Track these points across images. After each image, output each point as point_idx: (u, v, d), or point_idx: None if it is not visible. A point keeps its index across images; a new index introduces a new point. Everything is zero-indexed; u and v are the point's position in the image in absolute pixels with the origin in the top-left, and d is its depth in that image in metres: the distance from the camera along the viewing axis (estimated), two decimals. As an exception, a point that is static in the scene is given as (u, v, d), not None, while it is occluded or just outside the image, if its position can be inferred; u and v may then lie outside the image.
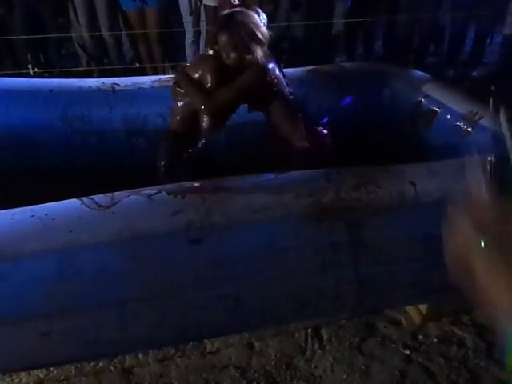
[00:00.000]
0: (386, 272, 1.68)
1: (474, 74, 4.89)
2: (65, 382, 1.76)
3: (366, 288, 1.67)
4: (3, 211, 1.36)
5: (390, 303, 1.89)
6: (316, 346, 1.94)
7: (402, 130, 2.43)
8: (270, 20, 4.34)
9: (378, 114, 2.53)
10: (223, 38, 1.88)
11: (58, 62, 4.51)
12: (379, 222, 1.61)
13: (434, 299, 1.96)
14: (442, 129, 2.21)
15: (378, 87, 2.56)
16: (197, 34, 4.49)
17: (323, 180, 1.58)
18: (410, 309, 2.07)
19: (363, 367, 1.86)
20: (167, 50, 4.50)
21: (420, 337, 2.00)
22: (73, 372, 1.79)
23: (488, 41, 5.23)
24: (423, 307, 2.02)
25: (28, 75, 4.12)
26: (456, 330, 2.03)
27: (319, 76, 2.49)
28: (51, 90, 2.29)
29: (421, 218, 1.64)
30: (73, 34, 4.51)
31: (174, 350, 1.89)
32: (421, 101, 2.35)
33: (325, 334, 1.98)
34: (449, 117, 2.18)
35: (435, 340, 1.99)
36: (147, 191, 1.43)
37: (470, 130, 2.05)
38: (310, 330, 1.99)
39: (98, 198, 1.40)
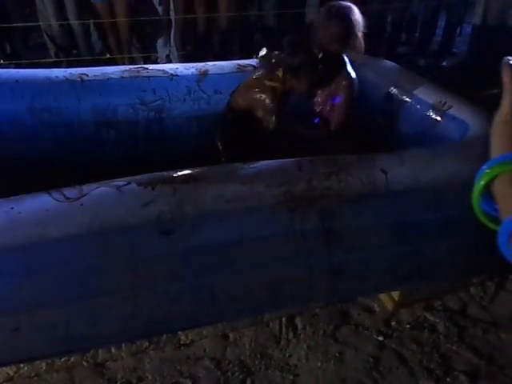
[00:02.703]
0: (359, 260, 1.70)
1: (444, 63, 4.96)
2: (36, 378, 1.73)
3: (339, 276, 1.68)
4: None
5: (363, 291, 1.91)
6: (290, 334, 1.95)
7: (372, 119, 2.44)
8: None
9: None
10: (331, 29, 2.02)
11: (25, 53, 4.40)
12: (351, 210, 1.62)
13: (406, 286, 1.98)
14: (412, 118, 2.23)
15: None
16: (167, 22, 4.44)
17: (295, 169, 1.58)
18: (383, 296, 2.10)
19: (337, 355, 1.88)
20: (137, 40, 4.45)
21: (393, 323, 2.03)
22: (44, 368, 1.76)
23: (458, 31, 5.30)
24: (396, 294, 2.05)
25: (-6, 67, 4.02)
26: (428, 316, 2.07)
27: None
28: (17, 81, 2.23)
29: (392, 205, 1.66)
30: (40, 23, 4.40)
31: (147, 343, 1.87)
32: (391, 91, 2.37)
33: (299, 322, 1.99)
34: (418, 106, 2.20)
35: (408, 326, 2.02)
36: (116, 182, 1.40)
37: (439, 119, 2.07)
38: (284, 319, 2.00)
39: (66, 190, 1.37)
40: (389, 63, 2.59)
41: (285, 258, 1.59)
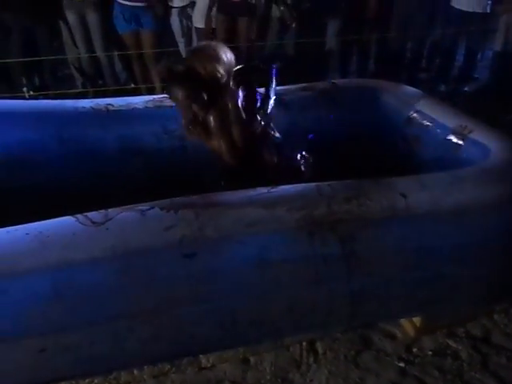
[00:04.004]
0: (379, 284, 1.69)
1: (465, 89, 4.96)
2: (60, 399, 1.76)
3: (360, 300, 1.68)
4: (-3, 230, 1.38)
5: (384, 316, 1.90)
6: (311, 359, 1.94)
7: (393, 144, 2.46)
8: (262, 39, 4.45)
9: (370, 129, 2.56)
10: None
11: (52, 84, 4.55)
12: (371, 234, 1.63)
13: (427, 311, 1.97)
14: (433, 143, 2.24)
15: (369, 103, 2.59)
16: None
17: (315, 193, 1.60)
18: (404, 321, 2.08)
19: (358, 380, 1.87)
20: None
21: (415, 349, 2.00)
22: (69, 390, 1.79)
23: (479, 56, 5.32)
24: (417, 320, 2.03)
25: (23, 98, 4.16)
26: (451, 343, 2.04)
27: (311, 93, 2.52)
28: (45, 111, 2.31)
29: (412, 230, 1.67)
30: (68, 56, 4.57)
31: (169, 366, 1.89)
32: (412, 116, 2.39)
33: (320, 347, 1.99)
34: (439, 131, 2.21)
35: (430, 353, 1.99)
36: (140, 207, 1.45)
37: (460, 143, 2.08)
38: (304, 343, 2.00)
39: (91, 214, 1.42)
40: (409, 88, 2.61)
41: (305, 281, 1.60)
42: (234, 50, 4.08)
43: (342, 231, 1.58)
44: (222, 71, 1.83)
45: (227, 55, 1.88)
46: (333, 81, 2.80)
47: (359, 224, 1.60)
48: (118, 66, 4.71)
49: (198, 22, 4.40)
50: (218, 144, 1.94)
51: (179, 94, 1.82)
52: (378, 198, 1.62)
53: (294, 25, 4.42)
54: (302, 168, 2.07)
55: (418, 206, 1.65)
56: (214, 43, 1.94)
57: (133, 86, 4.63)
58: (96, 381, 1.82)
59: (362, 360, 1.95)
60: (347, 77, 4.68)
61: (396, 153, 2.41)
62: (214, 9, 4.26)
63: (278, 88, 2.62)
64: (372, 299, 1.72)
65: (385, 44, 4.91)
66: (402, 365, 1.94)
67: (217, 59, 1.83)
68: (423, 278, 1.74)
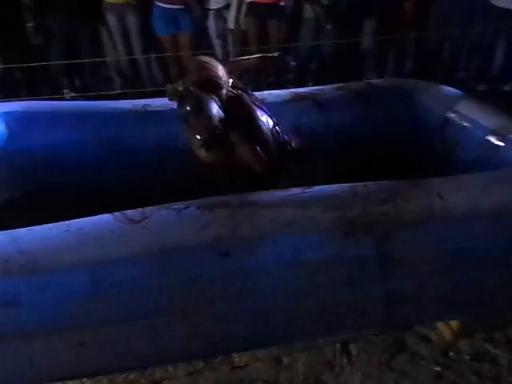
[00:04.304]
0: (415, 287, 1.67)
1: (505, 88, 4.84)
2: (97, 393, 1.80)
3: (395, 303, 1.67)
4: (40, 226, 1.42)
5: (420, 319, 1.87)
6: (345, 361, 1.93)
7: (430, 145, 2.42)
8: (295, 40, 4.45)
9: (406, 129, 2.53)
10: None
11: (92, 86, 4.66)
12: (407, 236, 1.61)
13: (465, 315, 1.93)
14: (471, 143, 2.20)
15: (405, 103, 2.56)
16: (226, 55, 4.61)
17: (350, 194, 1.60)
18: (440, 325, 2.04)
19: (393, 383, 1.85)
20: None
21: (451, 354, 1.97)
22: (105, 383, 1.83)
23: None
24: (455, 323, 1.99)
25: (64, 100, 4.28)
26: (489, 348, 1.99)
27: (346, 92, 2.51)
28: (86, 112, 2.37)
29: (450, 232, 1.64)
30: (108, 59, 4.67)
31: (202, 364, 1.91)
32: (450, 116, 2.35)
33: (353, 349, 1.97)
34: (478, 131, 2.17)
35: (467, 357, 1.95)
36: (177, 206, 1.47)
37: (499, 144, 2.03)
38: (338, 345, 1.99)
39: (129, 212, 1.45)
40: (447, 88, 2.57)
41: (339, 282, 1.59)
42: (264, 51, 4.12)
43: (377, 232, 1.57)
44: (219, 73, 1.86)
45: (218, 66, 1.90)
46: (368, 81, 2.79)
47: (395, 225, 1.59)
48: (156, 68, 4.79)
49: (233, 23, 4.43)
50: (244, 156, 1.86)
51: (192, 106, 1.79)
52: (414, 199, 1.60)
53: (329, 26, 4.39)
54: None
55: (455, 208, 1.62)
56: (203, 57, 1.95)
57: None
58: (131, 376, 1.86)
59: (397, 363, 1.93)
60: (384, 77, 4.62)
61: (433, 154, 2.37)
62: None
63: (312, 88, 2.63)
64: (407, 302, 1.70)
65: (422, 43, 4.83)
66: (438, 369, 1.91)
67: (209, 65, 1.86)
68: (461, 281, 1.71)
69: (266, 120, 1.96)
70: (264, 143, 1.88)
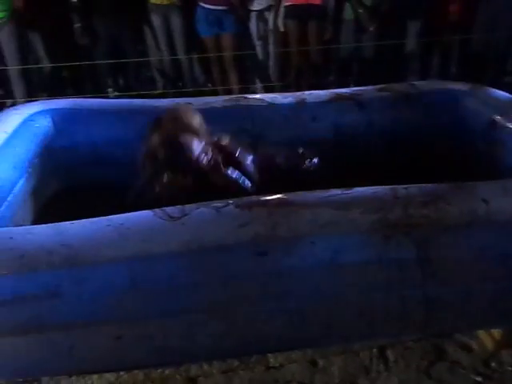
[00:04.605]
0: (456, 293, 1.63)
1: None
2: (133, 387, 1.83)
3: (434, 309, 1.62)
4: (82, 220, 1.45)
5: (461, 326, 1.83)
6: (381, 366, 1.90)
7: (475, 148, 2.36)
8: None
9: (450, 132, 2.47)
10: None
11: (135, 85, 4.75)
12: (449, 240, 1.57)
13: (508, 324, 1.87)
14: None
15: (450, 105, 2.50)
16: (266, 56, 4.62)
17: (391, 196, 1.57)
18: (482, 334, 1.99)
19: (431, 392, 1.81)
20: (240, 73, 4.65)
21: (493, 364, 1.91)
22: (141, 378, 1.85)
23: None
24: (497, 333, 1.93)
25: (108, 98, 4.37)
26: (533, 359, 1.93)
27: (388, 94, 2.47)
28: (130, 110, 2.41)
29: (494, 237, 1.59)
30: (151, 59, 4.75)
31: (237, 362, 1.91)
32: (496, 119, 2.28)
33: (390, 355, 1.94)
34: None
35: (510, 368, 1.89)
36: (216, 204, 1.48)
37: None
38: (375, 350, 1.96)
39: (169, 209, 1.46)
40: (493, 91, 2.50)
41: (377, 286, 1.56)
42: (305, 54, 4.10)
43: (418, 236, 1.54)
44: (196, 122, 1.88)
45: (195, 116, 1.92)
46: (411, 82, 2.74)
47: (437, 229, 1.55)
48: (198, 69, 4.84)
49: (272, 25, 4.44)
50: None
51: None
52: (457, 203, 1.56)
53: (371, 28, 4.34)
54: None
55: (500, 213, 1.57)
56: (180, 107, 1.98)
57: (211, 87, 4.74)
58: (167, 371, 1.88)
59: (435, 371, 1.88)
60: (428, 79, 4.53)
61: (478, 157, 2.31)
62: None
63: (354, 88, 2.60)
64: (448, 308, 1.66)
65: (468, 45, 4.71)
66: (478, 379, 1.85)
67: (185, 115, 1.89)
68: (505, 289, 1.66)
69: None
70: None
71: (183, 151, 1.75)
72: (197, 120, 1.93)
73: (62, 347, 1.41)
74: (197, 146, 1.80)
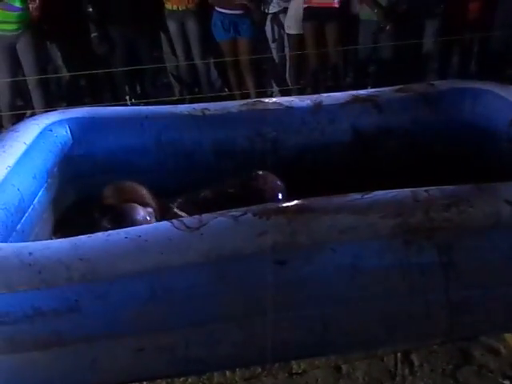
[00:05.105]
0: (481, 296, 1.60)
1: None
2: (156, 396, 1.83)
3: (459, 313, 1.60)
4: (99, 233, 1.46)
5: (487, 329, 1.79)
6: (406, 371, 1.86)
7: (497, 148, 2.31)
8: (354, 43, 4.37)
9: (472, 131, 2.43)
10: None
11: (152, 92, 4.77)
12: (472, 244, 1.54)
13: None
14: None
15: (471, 104, 2.46)
16: (282, 59, 4.60)
17: (411, 199, 1.54)
18: (509, 337, 1.94)
19: (458, 396, 1.77)
20: (257, 77, 4.64)
21: (521, 367, 1.87)
22: (164, 387, 1.85)
23: None
24: (525, 335, 1.90)
25: (126, 106, 4.40)
26: (562, 362, 1.88)
27: (406, 94, 2.44)
28: (146, 117, 2.43)
29: (518, 239, 1.56)
30: (168, 65, 4.77)
31: (260, 369, 1.90)
32: (518, 118, 2.24)
33: (415, 359, 1.90)
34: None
35: (539, 371, 1.85)
36: (233, 213, 1.47)
37: None
38: (399, 354, 1.92)
39: (186, 219, 1.46)
40: (515, 89, 2.45)
41: (400, 291, 1.55)
42: (322, 56, 4.05)
43: (440, 240, 1.51)
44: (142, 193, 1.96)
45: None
46: (430, 82, 2.70)
47: (459, 232, 1.52)
48: (214, 74, 4.84)
49: (290, 28, 4.42)
50: None
51: None
52: (480, 205, 1.53)
53: (388, 27, 4.29)
54: None
55: (524, 214, 1.53)
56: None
57: (227, 92, 4.74)
58: (190, 380, 1.88)
59: (462, 375, 1.84)
60: (447, 79, 4.47)
61: (500, 157, 2.26)
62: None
63: (372, 90, 2.58)
64: (472, 311, 1.63)
65: (488, 44, 4.63)
66: (506, 382, 1.81)
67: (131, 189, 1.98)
68: (530, 291, 1.62)
69: None
70: None
71: (125, 220, 1.76)
72: (139, 190, 1.99)
73: (83, 361, 1.42)
74: (139, 214, 1.83)
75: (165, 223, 1.45)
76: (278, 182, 2.14)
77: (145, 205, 1.91)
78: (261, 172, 2.17)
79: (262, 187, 2.09)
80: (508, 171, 2.11)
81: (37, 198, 1.96)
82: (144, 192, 2.01)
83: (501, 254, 1.56)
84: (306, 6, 4.24)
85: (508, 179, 1.66)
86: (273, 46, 4.60)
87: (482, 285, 1.59)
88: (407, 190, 1.59)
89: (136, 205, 1.86)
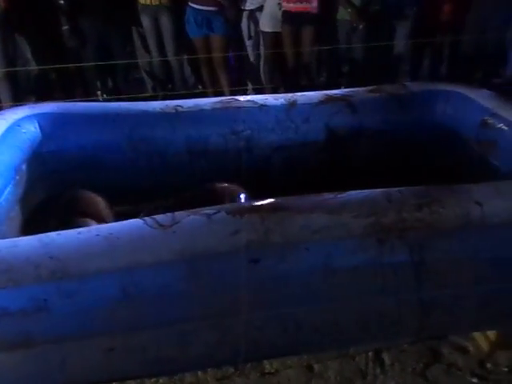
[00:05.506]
0: (451, 295, 1.62)
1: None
2: (127, 397, 1.80)
3: (430, 312, 1.62)
4: (69, 230, 1.42)
5: (456, 328, 1.81)
6: (377, 370, 1.89)
7: (467, 149, 2.35)
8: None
9: (443, 132, 2.47)
10: None
11: (124, 88, 4.70)
12: (443, 244, 1.56)
13: (503, 326, 1.86)
14: (511, 148, 2.12)
15: (442, 106, 2.50)
16: (257, 57, 4.59)
17: (384, 199, 1.55)
18: (477, 335, 1.98)
19: (428, 395, 1.80)
20: (230, 75, 4.62)
21: (489, 365, 1.90)
22: (135, 388, 1.83)
23: None
24: (492, 334, 1.93)
25: (97, 102, 4.33)
26: (528, 360, 1.92)
27: (379, 95, 2.46)
28: (118, 113, 2.38)
29: (488, 239, 1.58)
30: (140, 61, 4.71)
31: (232, 370, 1.89)
32: (487, 119, 2.27)
33: (386, 358, 1.93)
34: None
35: (505, 369, 1.89)
36: (207, 211, 1.45)
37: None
38: (370, 353, 1.94)
39: (159, 217, 1.43)
40: (484, 91, 2.49)
41: (372, 290, 1.55)
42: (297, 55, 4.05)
43: (412, 239, 1.52)
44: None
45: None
46: (403, 83, 2.73)
47: (431, 232, 1.53)
48: (187, 70, 4.80)
49: (265, 25, 4.41)
50: None
51: None
52: (451, 206, 1.54)
53: (361, 26, 4.32)
54: None
55: (494, 215, 1.56)
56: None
57: (201, 89, 4.70)
58: (161, 381, 1.86)
59: (432, 373, 1.87)
60: (418, 80, 4.53)
61: (470, 158, 2.30)
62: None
63: (345, 90, 2.59)
64: (443, 311, 1.65)
65: (458, 47, 4.71)
66: (475, 380, 1.85)
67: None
68: (499, 291, 1.65)
69: None
70: None
71: None
72: (97, 204, 1.98)
73: (52, 361, 1.38)
74: None
75: (137, 221, 1.42)
76: (242, 195, 2.02)
77: (100, 220, 1.88)
78: (223, 184, 2.10)
79: (221, 200, 2.01)
80: (477, 172, 2.15)
81: (3, 196, 1.90)
82: (102, 206, 1.99)
83: (471, 254, 1.58)
84: (284, 9, 4.24)
85: (478, 180, 1.69)
86: (248, 43, 4.58)
87: (452, 285, 1.60)
88: (380, 190, 1.60)
89: (90, 222, 1.83)
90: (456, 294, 1.63)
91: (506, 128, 2.15)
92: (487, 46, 4.64)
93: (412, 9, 4.42)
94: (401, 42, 4.46)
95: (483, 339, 1.95)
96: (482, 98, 2.39)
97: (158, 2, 4.29)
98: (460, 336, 2.00)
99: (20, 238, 1.41)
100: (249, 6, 4.42)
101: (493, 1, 4.36)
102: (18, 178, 2.04)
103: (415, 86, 2.63)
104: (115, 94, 4.48)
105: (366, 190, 1.61)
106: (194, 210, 1.46)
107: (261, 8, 4.40)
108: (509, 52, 4.96)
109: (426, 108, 2.45)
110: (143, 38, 4.55)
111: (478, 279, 1.61)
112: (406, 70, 4.84)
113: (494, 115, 2.23)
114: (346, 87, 2.36)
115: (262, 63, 4.61)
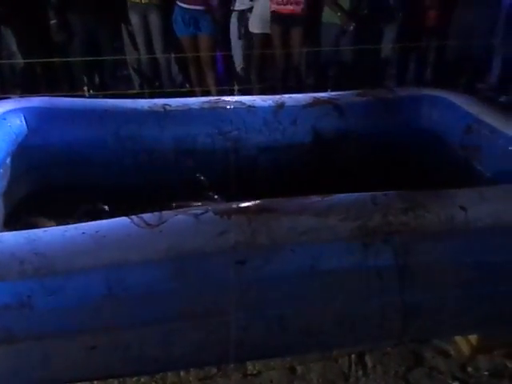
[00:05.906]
0: (434, 299, 1.63)
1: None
2: (108, 396, 1.79)
3: (413, 315, 1.63)
4: (56, 227, 1.41)
5: (438, 332, 1.83)
6: (360, 373, 1.90)
7: (451, 154, 2.38)
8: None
9: (428, 137, 2.49)
10: None
11: (111, 84, 4.67)
12: (428, 248, 1.57)
13: (484, 330, 1.88)
14: (494, 153, 2.15)
15: (428, 111, 2.53)
16: (246, 57, 4.59)
17: (370, 203, 1.56)
18: (459, 339, 2.00)
19: (409, 397, 1.81)
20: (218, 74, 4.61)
21: (470, 369, 1.92)
22: (116, 387, 1.82)
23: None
24: (473, 338, 1.95)
25: (83, 97, 4.29)
26: (509, 364, 1.95)
27: (366, 99, 2.48)
28: (105, 110, 2.37)
29: (472, 244, 1.60)
30: (128, 57, 4.68)
31: (215, 370, 1.88)
32: (472, 125, 2.31)
33: (369, 361, 1.94)
34: (501, 141, 2.12)
35: (486, 373, 1.91)
36: (194, 211, 1.45)
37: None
38: (353, 356, 1.95)
39: (146, 216, 1.43)
40: (469, 97, 2.53)
41: (356, 293, 1.56)
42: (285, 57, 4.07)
43: (397, 243, 1.53)
44: None
45: None
46: (390, 87, 2.76)
47: (416, 236, 1.55)
48: (175, 69, 4.78)
49: (254, 27, 4.41)
50: None
51: None
52: (436, 211, 1.56)
53: (351, 27, 4.34)
54: None
55: (478, 220, 1.58)
56: None
57: (188, 87, 4.69)
58: (143, 379, 1.85)
59: (413, 376, 1.89)
60: (404, 84, 4.57)
61: (455, 163, 2.33)
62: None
63: (332, 93, 2.61)
64: (426, 314, 1.66)
65: (443, 52, 4.76)
66: (455, 384, 1.87)
67: None
68: (482, 295, 1.67)
69: None
70: None
71: None
72: None
73: (34, 358, 1.36)
74: None
75: (124, 219, 1.41)
76: None
77: None
78: None
79: None
80: (462, 176, 2.18)
81: (-13, 189, 1.88)
82: None
83: (455, 259, 1.60)
84: (272, 10, 4.24)
85: (463, 185, 1.71)
86: (238, 43, 4.57)
87: (435, 288, 1.61)
88: (367, 194, 1.61)
89: None
90: (439, 298, 1.64)
91: (489, 134, 2.18)
92: (472, 51, 4.70)
93: (398, 14, 4.47)
94: (388, 46, 4.49)
95: (465, 343, 1.97)
96: (466, 103, 2.43)
97: (147, 0, 4.27)
98: (442, 340, 2.02)
99: (5, 233, 1.39)
100: (239, 6, 4.42)
101: (478, 7, 4.41)
102: (1, 171, 2.02)
103: (403, 91, 2.66)
104: (102, 90, 4.44)
105: (352, 194, 1.63)
106: (181, 210, 1.46)
107: (251, 9, 4.40)
108: (493, 58, 5.02)
109: (411, 112, 2.48)
110: (132, 36, 4.52)
111: (462, 283, 1.63)
112: (393, 73, 4.88)
113: (478, 121, 2.26)
114: (332, 90, 2.36)
115: (251, 64, 4.62)
